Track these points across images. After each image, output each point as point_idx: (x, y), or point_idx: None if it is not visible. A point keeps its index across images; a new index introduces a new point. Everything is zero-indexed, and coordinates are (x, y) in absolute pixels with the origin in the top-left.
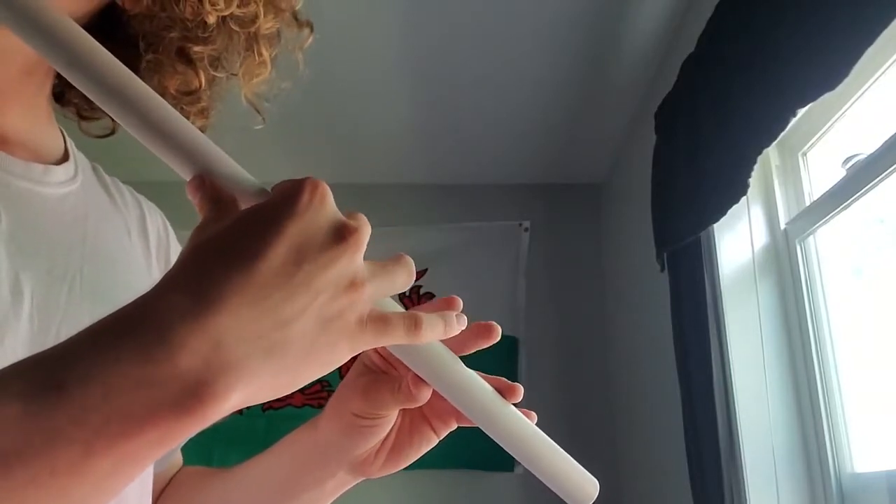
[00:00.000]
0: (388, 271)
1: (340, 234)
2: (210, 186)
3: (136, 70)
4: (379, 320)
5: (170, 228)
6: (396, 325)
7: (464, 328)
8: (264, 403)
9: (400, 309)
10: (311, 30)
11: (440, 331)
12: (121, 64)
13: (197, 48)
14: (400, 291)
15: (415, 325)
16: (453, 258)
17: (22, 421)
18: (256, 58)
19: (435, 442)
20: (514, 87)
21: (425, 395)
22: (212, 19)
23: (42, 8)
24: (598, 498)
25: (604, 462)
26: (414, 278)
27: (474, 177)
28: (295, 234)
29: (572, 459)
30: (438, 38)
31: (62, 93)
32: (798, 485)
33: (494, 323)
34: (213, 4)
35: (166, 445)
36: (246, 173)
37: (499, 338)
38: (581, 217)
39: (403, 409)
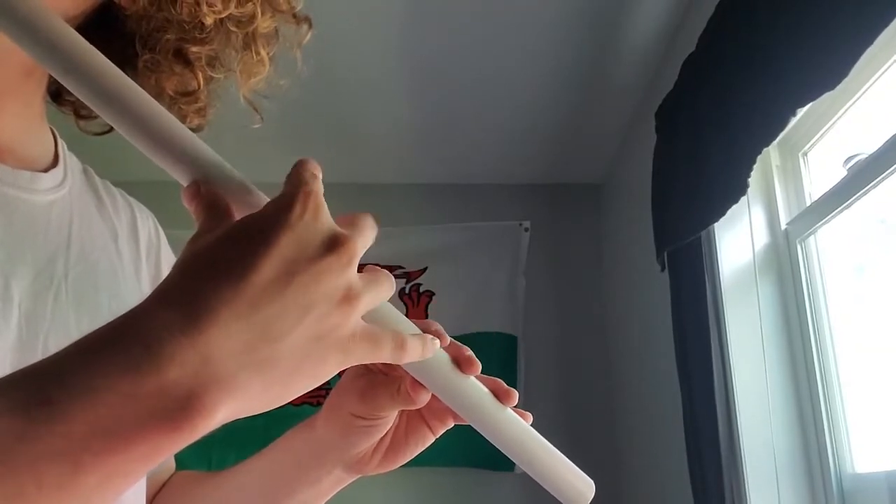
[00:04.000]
0: (378, 282)
1: (332, 246)
2: (206, 194)
3: (133, 69)
4: (369, 337)
5: (161, 232)
6: (385, 343)
7: (442, 346)
8: None
9: (397, 312)
10: (310, 26)
11: (418, 353)
12: (117, 69)
13: (194, 49)
14: (386, 300)
15: (401, 346)
16: (453, 258)
17: (9, 435)
18: (254, 56)
19: (432, 440)
20: (514, 86)
21: (424, 399)
22: (209, 21)
23: (37, 12)
24: (597, 497)
25: (603, 461)
26: (395, 288)
27: (474, 177)
28: (287, 246)
29: (568, 460)
30: (439, 38)
31: (58, 91)
32: (798, 485)
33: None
34: (210, 6)
35: (155, 460)
36: (244, 179)
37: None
38: (581, 217)
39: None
